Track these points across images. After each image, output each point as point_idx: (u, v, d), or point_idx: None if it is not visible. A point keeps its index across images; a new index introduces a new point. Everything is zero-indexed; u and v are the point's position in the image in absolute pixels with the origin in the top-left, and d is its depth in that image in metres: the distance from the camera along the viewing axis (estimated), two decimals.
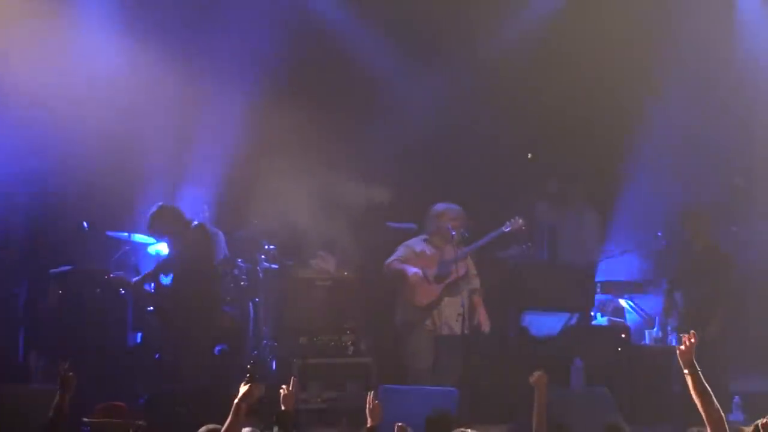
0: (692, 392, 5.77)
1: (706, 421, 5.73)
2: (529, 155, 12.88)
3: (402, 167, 12.00)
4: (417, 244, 10.19)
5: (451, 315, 9.94)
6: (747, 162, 12.24)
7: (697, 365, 5.72)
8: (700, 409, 5.76)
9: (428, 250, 10.09)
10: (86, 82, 11.10)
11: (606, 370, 10.19)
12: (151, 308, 10.05)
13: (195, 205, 10.71)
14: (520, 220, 10.02)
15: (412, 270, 9.99)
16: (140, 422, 7.11)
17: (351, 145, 11.79)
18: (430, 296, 9.94)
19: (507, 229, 10.01)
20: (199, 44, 11.40)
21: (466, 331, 9.43)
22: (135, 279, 10.06)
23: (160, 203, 9.90)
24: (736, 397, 9.94)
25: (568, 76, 12.32)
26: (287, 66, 11.67)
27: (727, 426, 5.72)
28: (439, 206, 10.17)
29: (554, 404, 8.25)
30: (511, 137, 12.22)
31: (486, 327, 10.06)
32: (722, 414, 5.75)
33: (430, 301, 9.94)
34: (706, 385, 5.72)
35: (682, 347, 5.73)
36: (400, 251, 10.16)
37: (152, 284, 9.97)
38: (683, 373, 5.72)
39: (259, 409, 9.83)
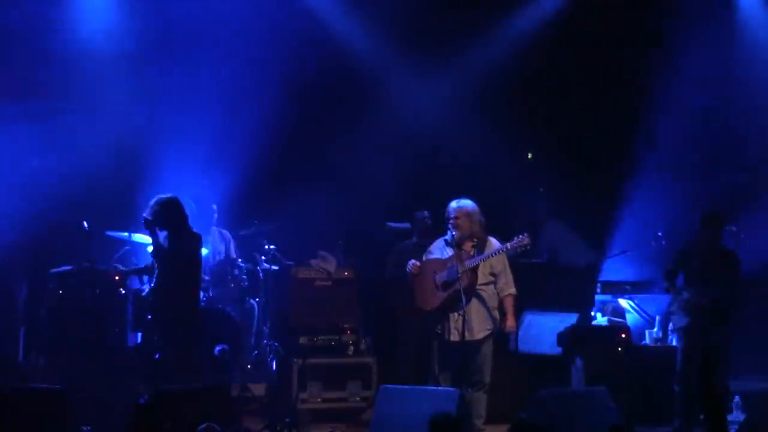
0: None
1: None
2: (530, 155, 12.90)
3: (402, 167, 12.02)
4: (436, 247, 9.34)
5: (456, 319, 9.05)
6: (746, 161, 12.28)
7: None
8: None
9: (448, 252, 9.18)
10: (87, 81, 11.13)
11: (606, 370, 10.17)
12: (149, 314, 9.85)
13: (204, 205, 10.72)
14: (526, 239, 8.98)
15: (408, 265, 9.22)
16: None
17: (351, 145, 11.82)
18: (433, 302, 9.13)
19: (509, 247, 9.01)
20: (202, 45, 11.42)
21: (466, 335, 9.06)
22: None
23: (173, 195, 9.48)
24: (737, 396, 9.93)
25: (568, 76, 12.34)
26: (288, 66, 11.68)
27: None
28: (451, 204, 9.23)
29: (553, 404, 8.27)
30: (512, 137, 12.22)
31: (511, 329, 9.27)
32: None
33: (434, 307, 9.12)
34: None
35: None
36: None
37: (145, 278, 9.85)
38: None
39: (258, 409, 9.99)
